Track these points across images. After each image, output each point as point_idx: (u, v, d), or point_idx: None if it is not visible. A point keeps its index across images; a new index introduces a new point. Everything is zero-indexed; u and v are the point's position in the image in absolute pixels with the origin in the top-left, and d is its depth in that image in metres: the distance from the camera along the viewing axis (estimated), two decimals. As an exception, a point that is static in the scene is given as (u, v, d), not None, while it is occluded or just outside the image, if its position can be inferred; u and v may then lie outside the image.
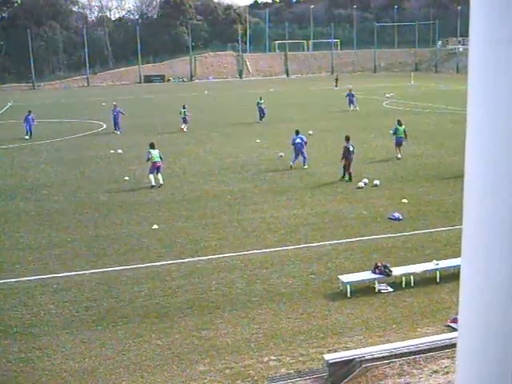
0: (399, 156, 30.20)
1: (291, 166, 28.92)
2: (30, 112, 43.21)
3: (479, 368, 3.67)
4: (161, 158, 26.40)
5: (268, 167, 29.55)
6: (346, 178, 26.00)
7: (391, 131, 31.41)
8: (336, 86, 79.46)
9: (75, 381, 11.02)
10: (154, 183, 26.00)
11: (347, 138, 26.45)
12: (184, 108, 44.24)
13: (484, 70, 3.35)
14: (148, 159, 26.40)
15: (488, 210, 3.43)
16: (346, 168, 26.09)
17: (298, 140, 28.78)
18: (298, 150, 28.82)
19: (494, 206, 3.37)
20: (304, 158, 28.96)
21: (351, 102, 53.36)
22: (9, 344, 12.44)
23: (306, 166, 28.85)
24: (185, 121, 44.19)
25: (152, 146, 26.70)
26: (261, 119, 47.08)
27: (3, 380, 11.15)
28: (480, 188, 3.47)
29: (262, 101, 47.83)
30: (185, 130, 43.73)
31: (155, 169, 26.23)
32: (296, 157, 29.02)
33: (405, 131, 30.20)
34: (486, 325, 3.59)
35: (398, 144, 30.42)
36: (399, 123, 30.37)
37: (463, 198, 3.62)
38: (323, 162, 30.28)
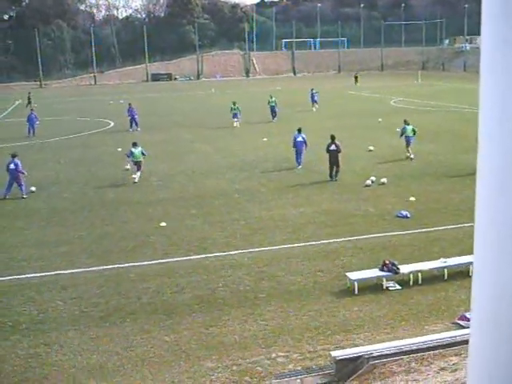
0: (412, 156, 29.48)
1: (297, 168, 28.68)
2: (32, 111, 44.05)
3: (491, 366, 3.66)
4: (143, 154, 27.15)
5: (275, 165, 29.56)
6: (334, 178, 25.91)
7: (398, 129, 31.26)
8: (356, 83, 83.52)
9: (83, 376, 11.07)
10: (134, 180, 26.71)
11: (332, 138, 26.32)
12: (234, 104, 44.83)
13: (496, 70, 3.35)
14: (128, 156, 27.40)
15: (500, 208, 3.42)
16: (330, 167, 26.08)
17: (300, 139, 28.57)
18: (299, 148, 28.61)
19: (507, 203, 3.37)
20: (300, 158, 28.68)
21: (314, 101, 53.80)
22: (18, 340, 12.51)
23: (299, 167, 28.55)
24: (236, 116, 44.64)
25: (134, 145, 27.34)
26: (273, 118, 46.74)
27: (12, 375, 11.20)
28: (492, 186, 3.47)
29: (273, 99, 47.36)
30: (235, 125, 44.10)
31: (137, 166, 26.98)
32: (297, 157, 28.79)
33: (414, 130, 29.66)
34: (497, 323, 3.58)
35: (408, 143, 29.81)
36: (406, 123, 29.98)
37: (475, 196, 3.62)
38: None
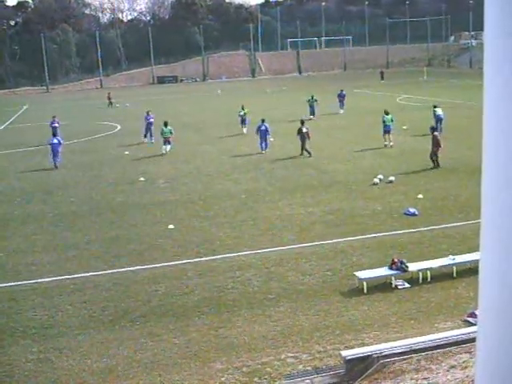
0: (391, 144, 32.24)
1: (262, 153, 32.56)
2: (54, 117, 40.53)
3: (499, 363, 3.64)
4: (171, 132, 34.26)
5: (281, 165, 29.54)
6: (305, 154, 30.71)
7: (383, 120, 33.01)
8: (382, 79, 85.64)
9: (93, 380, 11.09)
10: (163, 152, 33.76)
11: (302, 122, 31.65)
12: (243, 109, 41.87)
13: (500, 63, 3.33)
14: (161, 133, 34.36)
15: (506, 203, 3.40)
16: (302, 146, 31.05)
17: (263, 127, 32.88)
18: (263, 136, 32.79)
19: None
20: (266, 144, 33.06)
21: (342, 103, 50.98)
22: (28, 344, 12.54)
23: (265, 151, 32.71)
24: (244, 123, 41.51)
25: (165, 124, 34.23)
26: (313, 115, 46.80)
27: (23, 380, 11.24)
28: (498, 181, 3.44)
29: (315, 98, 47.35)
30: (245, 131, 40.78)
31: (166, 141, 34.06)
32: (261, 143, 32.92)
33: (392, 119, 32.66)
34: (505, 319, 3.56)
35: (387, 132, 32.52)
36: (386, 112, 32.87)
37: (481, 191, 3.59)
38: (337, 158, 30.23)
